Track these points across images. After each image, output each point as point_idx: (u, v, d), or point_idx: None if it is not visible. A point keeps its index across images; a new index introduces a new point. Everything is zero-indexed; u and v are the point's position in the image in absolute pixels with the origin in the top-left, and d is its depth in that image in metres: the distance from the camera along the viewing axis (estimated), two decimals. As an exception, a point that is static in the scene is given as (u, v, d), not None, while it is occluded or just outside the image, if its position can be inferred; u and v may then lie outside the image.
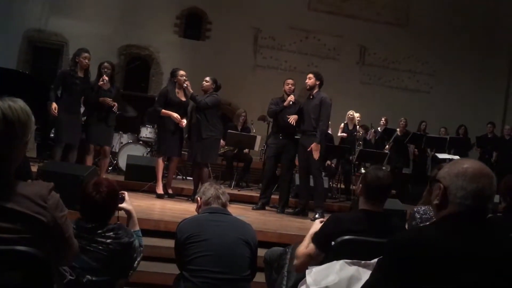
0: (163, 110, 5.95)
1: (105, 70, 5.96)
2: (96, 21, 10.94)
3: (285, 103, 5.97)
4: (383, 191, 2.42)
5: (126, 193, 2.62)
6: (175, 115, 5.93)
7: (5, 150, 1.49)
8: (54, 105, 5.66)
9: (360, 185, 2.43)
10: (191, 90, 5.99)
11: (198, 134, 5.94)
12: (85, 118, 6.20)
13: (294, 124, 5.85)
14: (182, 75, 6.04)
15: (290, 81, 6.16)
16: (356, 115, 8.43)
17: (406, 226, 3.11)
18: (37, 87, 7.36)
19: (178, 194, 6.33)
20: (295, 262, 2.46)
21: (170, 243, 3.47)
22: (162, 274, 3.69)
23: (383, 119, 9.21)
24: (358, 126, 8.22)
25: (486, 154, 9.43)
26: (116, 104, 5.91)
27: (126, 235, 2.37)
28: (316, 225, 2.51)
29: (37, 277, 1.52)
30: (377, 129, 9.09)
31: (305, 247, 2.42)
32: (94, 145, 6.01)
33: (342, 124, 8.19)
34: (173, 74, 6.15)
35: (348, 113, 8.23)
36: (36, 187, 1.53)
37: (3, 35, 10.44)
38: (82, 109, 6.61)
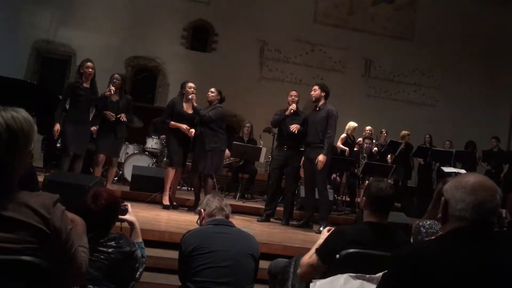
0: (172, 122, 5.96)
1: (115, 81, 6.02)
2: (103, 32, 11.05)
3: (287, 112, 5.99)
4: (386, 202, 2.42)
5: (129, 204, 2.64)
6: (184, 126, 5.94)
7: (8, 159, 1.50)
8: (57, 127, 5.72)
9: (364, 198, 2.43)
10: (195, 104, 6.00)
11: (202, 146, 5.95)
12: (95, 128, 6.24)
13: (296, 132, 5.84)
14: (190, 87, 6.07)
15: (293, 92, 6.18)
16: (367, 128, 8.44)
17: (411, 240, 3.08)
18: (45, 98, 7.42)
19: (182, 205, 6.33)
20: (299, 270, 2.47)
21: (174, 254, 3.47)
22: (167, 285, 3.68)
23: (383, 131, 9.17)
24: (361, 139, 8.19)
25: (492, 168, 9.38)
26: (113, 116, 5.91)
27: (127, 244, 2.38)
28: (324, 235, 2.50)
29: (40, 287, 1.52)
30: (379, 143, 9.06)
31: (309, 257, 2.42)
32: (102, 156, 6.04)
33: (343, 135, 8.13)
34: (182, 85, 6.19)
35: (350, 125, 8.18)
36: (40, 198, 1.53)
37: (12, 45, 10.57)
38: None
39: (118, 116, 5.99)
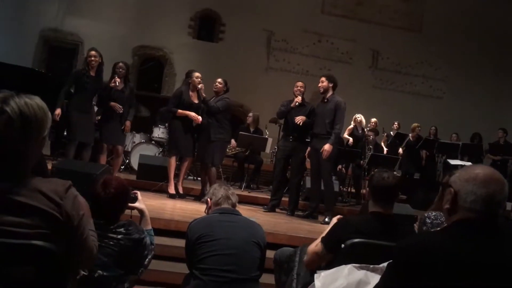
0: (180, 110, 5.97)
1: (120, 70, 6.00)
2: (111, 21, 11.05)
3: (292, 104, 5.99)
4: (389, 192, 2.43)
5: (138, 192, 2.67)
6: (193, 114, 5.95)
7: (22, 146, 1.52)
8: (58, 111, 5.66)
9: (368, 188, 2.46)
10: (203, 94, 6.01)
11: (207, 136, 5.98)
12: (99, 117, 6.26)
13: (301, 124, 5.84)
14: (197, 77, 6.06)
15: (299, 83, 6.16)
16: (373, 120, 8.42)
17: (416, 231, 3.10)
18: (52, 86, 7.45)
19: (188, 194, 6.37)
20: (305, 258, 2.51)
21: (180, 242, 3.51)
22: (172, 273, 3.72)
23: (395, 123, 9.18)
24: (366, 130, 8.19)
25: (498, 160, 9.34)
26: (121, 108, 5.90)
27: (137, 232, 2.41)
28: (333, 223, 2.55)
29: (50, 272, 1.53)
30: (390, 133, 9.06)
31: (315, 245, 2.45)
32: (107, 145, 6.07)
33: (351, 126, 8.13)
34: (188, 75, 6.18)
35: (355, 116, 8.16)
36: (52, 184, 1.55)
37: (19, 34, 10.60)
38: (96, 109, 6.70)
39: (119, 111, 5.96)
